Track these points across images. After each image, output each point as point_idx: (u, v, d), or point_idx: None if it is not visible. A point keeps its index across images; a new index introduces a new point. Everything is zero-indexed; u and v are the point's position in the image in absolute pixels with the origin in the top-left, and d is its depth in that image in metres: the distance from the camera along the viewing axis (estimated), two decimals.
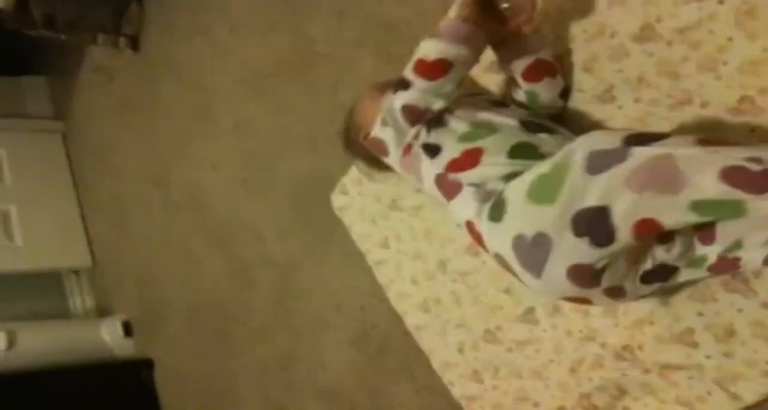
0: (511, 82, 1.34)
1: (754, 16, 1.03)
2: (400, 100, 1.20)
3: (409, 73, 1.19)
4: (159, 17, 3.22)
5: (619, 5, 1.20)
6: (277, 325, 2.35)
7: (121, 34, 3.37)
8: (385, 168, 1.41)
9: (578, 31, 1.27)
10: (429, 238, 1.64)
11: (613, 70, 1.22)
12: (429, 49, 1.16)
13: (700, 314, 1.14)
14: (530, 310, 1.43)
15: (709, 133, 1.03)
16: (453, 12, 1.20)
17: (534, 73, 1.25)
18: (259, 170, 2.42)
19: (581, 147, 0.99)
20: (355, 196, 1.85)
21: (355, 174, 1.84)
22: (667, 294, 1.17)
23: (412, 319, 1.69)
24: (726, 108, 1.07)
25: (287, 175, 2.26)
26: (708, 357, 1.14)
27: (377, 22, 1.83)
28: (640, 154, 0.91)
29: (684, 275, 1.06)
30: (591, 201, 0.95)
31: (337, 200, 1.91)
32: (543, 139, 1.15)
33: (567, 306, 1.35)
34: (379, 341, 1.85)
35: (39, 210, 3.87)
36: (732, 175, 0.85)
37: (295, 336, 2.24)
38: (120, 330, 3.40)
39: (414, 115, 1.21)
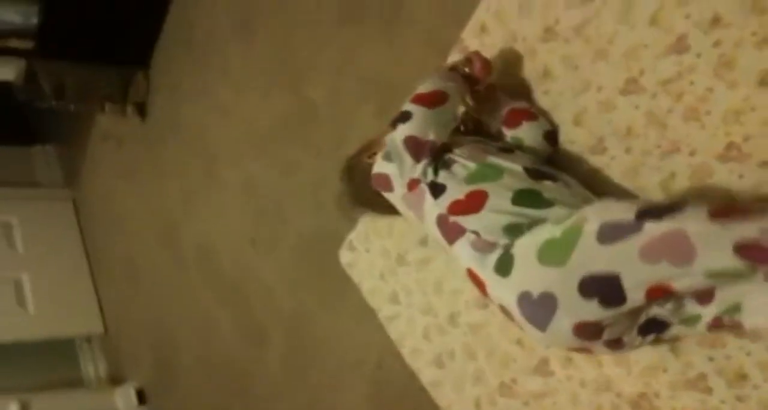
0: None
1: (732, 67, 1.06)
2: (401, 132, 1.25)
3: (408, 105, 1.27)
4: (164, 83, 3.32)
5: (603, 61, 1.24)
6: (292, 383, 2.34)
7: (128, 102, 3.48)
8: (386, 210, 1.44)
9: (566, 87, 1.31)
10: (438, 292, 1.65)
11: (603, 122, 1.25)
12: (424, 84, 1.29)
13: (711, 359, 1.14)
14: (544, 362, 1.42)
15: (723, 202, 1.06)
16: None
17: (512, 120, 1.34)
18: (267, 228, 2.46)
19: (595, 216, 1.03)
20: (363, 252, 1.87)
21: (361, 230, 1.87)
22: (674, 341, 1.18)
23: (427, 376, 1.69)
24: (714, 155, 1.10)
25: (295, 233, 2.30)
26: (722, 401, 1.13)
27: (375, 80, 1.89)
28: (652, 229, 0.94)
29: (678, 330, 1.08)
30: (600, 268, 0.98)
31: (344, 256, 1.93)
32: (546, 186, 1.18)
33: (578, 357, 1.36)
34: (395, 398, 1.85)
35: (51, 278, 3.92)
36: (746, 250, 0.87)
37: (311, 395, 2.23)
38: (134, 399, 3.40)
39: (417, 146, 1.25)
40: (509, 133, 1.35)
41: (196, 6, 3.00)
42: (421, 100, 1.26)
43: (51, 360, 3.94)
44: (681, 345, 1.18)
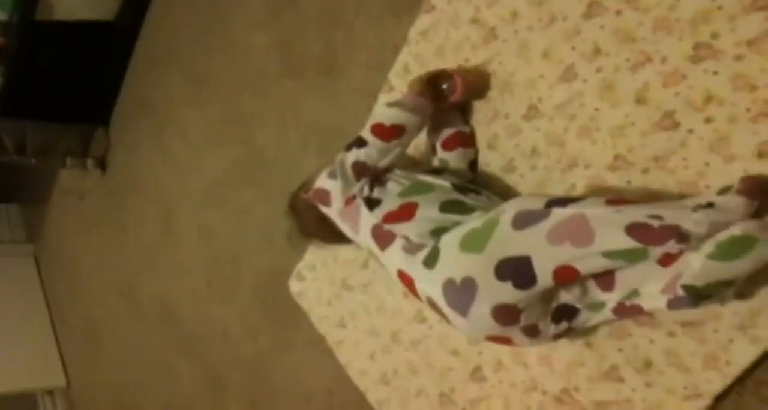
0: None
1: (613, 90, 1.23)
2: (353, 156, 1.38)
3: (367, 133, 1.38)
4: (123, 139, 3.44)
5: (508, 93, 1.41)
6: None
7: (88, 156, 3.57)
8: (332, 239, 1.54)
9: (480, 116, 1.47)
10: (380, 312, 1.75)
11: (511, 145, 1.41)
12: (388, 115, 1.38)
13: (620, 350, 1.27)
14: (478, 369, 1.53)
15: (617, 195, 1.20)
16: (408, 87, 1.44)
17: (451, 143, 1.47)
18: (223, 273, 2.54)
19: (511, 207, 1.16)
20: (311, 281, 1.97)
21: (309, 260, 1.97)
22: (588, 335, 1.30)
23: (374, 395, 1.77)
24: (605, 166, 1.25)
25: (250, 274, 2.38)
26: (633, 390, 1.25)
27: (316, 128, 2.04)
28: (558, 213, 1.08)
29: (587, 317, 1.19)
30: (514, 251, 1.10)
31: (294, 286, 2.03)
32: (471, 198, 1.31)
33: (508, 360, 1.46)
34: None
35: (13, 333, 3.90)
36: (636, 230, 1.00)
37: None
38: None
39: (362, 170, 1.38)
40: (440, 154, 1.49)
41: (152, 67, 3.16)
42: (380, 132, 1.37)
43: None
44: (594, 340, 1.30)
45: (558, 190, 1.33)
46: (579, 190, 1.29)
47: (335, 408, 1.97)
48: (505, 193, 1.41)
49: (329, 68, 2.00)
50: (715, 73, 1.09)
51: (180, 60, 2.90)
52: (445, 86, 1.42)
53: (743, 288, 1.05)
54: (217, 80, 2.61)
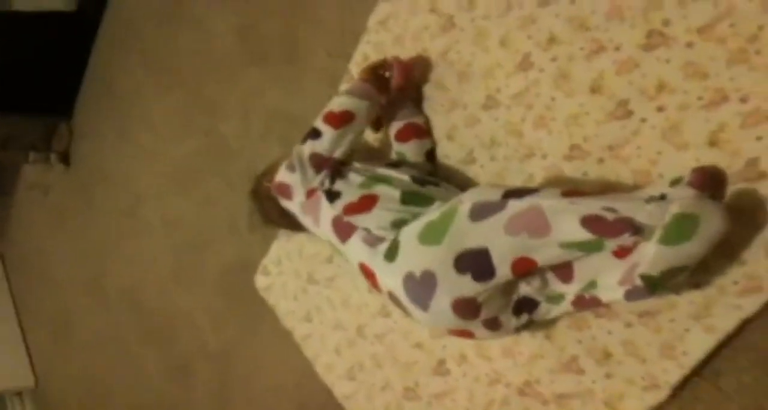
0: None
1: (568, 79, 1.21)
2: (309, 148, 1.37)
3: (319, 123, 1.38)
4: (87, 132, 3.37)
5: (465, 82, 1.38)
6: None
7: (51, 150, 3.50)
8: (293, 226, 1.52)
9: (437, 106, 1.45)
10: (346, 307, 1.73)
11: (471, 135, 1.39)
12: (337, 102, 1.39)
13: (580, 341, 1.26)
14: (441, 362, 1.52)
15: (573, 186, 1.19)
16: (357, 76, 1.45)
17: (404, 134, 1.46)
18: (189, 263, 2.50)
19: (468, 198, 1.14)
20: (276, 276, 1.94)
21: (274, 254, 1.94)
22: (548, 327, 1.29)
23: (340, 389, 1.76)
24: (562, 156, 1.24)
25: (215, 264, 2.35)
26: (593, 381, 1.24)
27: (278, 117, 2.00)
28: (515, 205, 1.07)
29: (547, 309, 1.19)
30: (472, 243, 1.09)
31: (260, 281, 2.00)
32: (430, 190, 1.30)
33: (471, 354, 1.45)
34: None
35: None
36: (590, 222, 0.99)
37: None
38: None
39: (320, 161, 1.37)
40: (396, 146, 1.48)
41: (114, 57, 3.09)
42: (331, 120, 1.37)
43: None
44: (554, 332, 1.30)
45: (516, 181, 1.32)
46: (537, 181, 1.28)
47: (303, 401, 1.96)
48: (466, 184, 1.39)
49: (291, 55, 1.96)
50: (668, 60, 1.07)
51: (142, 49, 2.83)
52: (388, 74, 1.44)
53: (698, 277, 1.05)
54: (179, 69, 2.55)
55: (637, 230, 0.97)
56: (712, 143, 1.04)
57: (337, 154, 1.37)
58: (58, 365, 3.70)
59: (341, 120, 1.37)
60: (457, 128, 1.42)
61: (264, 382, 2.11)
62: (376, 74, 1.44)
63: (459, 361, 1.48)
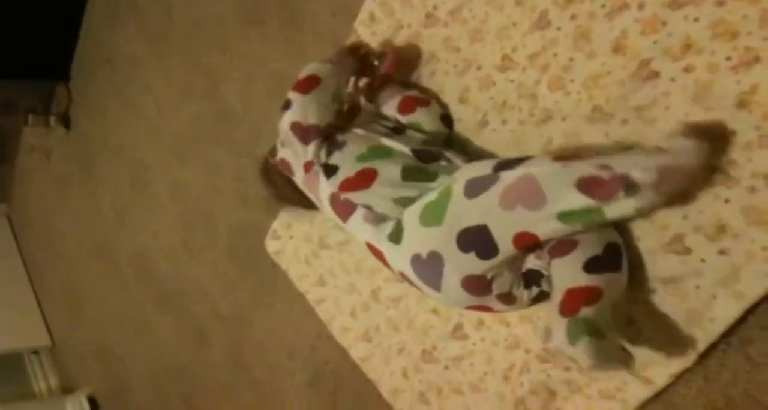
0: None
1: (589, 39, 1.16)
2: (286, 119, 1.33)
3: (289, 92, 1.34)
4: (86, 95, 3.30)
5: (479, 42, 1.32)
6: (237, 381, 2.38)
7: (50, 113, 3.44)
8: (310, 205, 1.48)
9: (449, 67, 1.39)
10: (359, 271, 1.72)
11: (485, 98, 1.34)
12: (305, 69, 1.37)
13: None
14: (458, 327, 1.51)
15: (566, 148, 1.16)
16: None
17: (406, 106, 1.40)
18: (198, 229, 2.48)
19: (461, 176, 1.12)
20: (287, 240, 1.92)
21: (284, 218, 1.92)
22: None
23: (356, 352, 1.76)
24: (583, 118, 1.19)
25: (225, 231, 2.33)
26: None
27: (282, 77, 1.94)
28: (506, 176, 1.04)
29: None
30: (471, 221, 1.07)
31: (271, 245, 1.99)
32: (431, 165, 1.25)
33: (489, 319, 1.44)
34: (333, 378, 1.91)
35: None
36: (587, 185, 0.96)
37: (256, 389, 2.28)
38: (86, 406, 3.37)
39: (301, 130, 1.32)
40: (405, 119, 1.41)
41: (108, 17, 3.00)
42: (297, 86, 1.34)
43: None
44: None
45: (534, 144, 1.27)
46: (556, 143, 1.23)
47: (318, 364, 1.97)
48: (481, 150, 1.36)
49: (293, 16, 1.88)
50: (696, 19, 1.01)
51: (138, 8, 2.73)
52: (377, 62, 1.44)
53: (724, 242, 1.02)
54: (179, 31, 2.47)
55: (632, 188, 0.94)
56: (741, 105, 0.99)
57: (312, 119, 1.32)
58: (73, 326, 3.74)
59: (306, 85, 1.34)
60: (469, 90, 1.36)
61: (279, 345, 2.12)
62: (362, 55, 1.43)
63: (477, 326, 1.47)
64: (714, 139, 0.98)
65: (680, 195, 1.02)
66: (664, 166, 0.94)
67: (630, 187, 0.94)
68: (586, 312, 1.00)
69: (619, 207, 0.97)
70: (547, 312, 1.07)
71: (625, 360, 1.04)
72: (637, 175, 0.94)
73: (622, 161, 0.96)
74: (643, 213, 1.06)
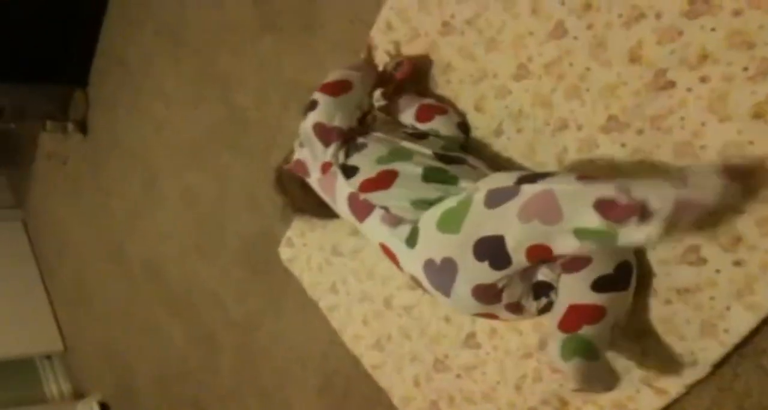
0: None
1: (605, 48, 1.16)
2: (310, 119, 1.34)
3: (316, 94, 1.36)
4: (103, 100, 3.34)
5: (495, 51, 1.33)
6: (245, 387, 2.39)
7: (68, 119, 3.48)
8: (325, 213, 1.49)
9: (465, 75, 1.40)
10: (372, 278, 1.72)
11: (500, 107, 1.34)
12: (333, 74, 1.40)
13: None
14: (471, 335, 1.51)
15: (590, 172, 1.15)
16: None
17: (424, 114, 1.42)
18: (209, 234, 2.50)
19: (483, 186, 1.12)
20: (301, 247, 1.93)
21: (297, 226, 1.93)
22: None
23: (368, 359, 1.76)
24: (598, 127, 1.19)
25: (236, 236, 2.35)
26: (629, 359, 1.22)
27: (297, 83, 1.96)
28: (527, 190, 1.04)
29: None
30: (488, 231, 1.07)
31: (284, 253, 2.00)
32: (455, 168, 1.25)
33: (502, 328, 1.44)
34: (343, 386, 1.91)
35: (7, 299, 3.89)
36: (604, 207, 0.96)
37: (264, 395, 2.28)
38: None
39: (324, 132, 1.34)
40: (424, 127, 1.42)
41: (126, 25, 3.04)
42: (326, 88, 1.36)
43: (12, 379, 3.91)
44: None
45: (549, 153, 1.28)
46: (571, 153, 1.24)
47: (329, 372, 1.97)
48: (496, 158, 1.36)
49: (310, 22, 1.90)
50: (713, 29, 1.02)
51: (153, 15, 2.77)
52: (394, 70, 1.46)
53: (740, 254, 1.02)
54: (193, 37, 2.50)
55: (646, 216, 0.93)
56: (757, 115, 0.99)
57: (337, 121, 1.33)
58: (84, 331, 3.76)
59: (336, 88, 1.37)
60: (485, 98, 1.37)
61: (289, 353, 2.12)
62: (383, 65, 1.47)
63: (490, 335, 1.47)
64: (748, 180, 0.97)
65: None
66: (682, 199, 0.93)
67: (644, 214, 0.93)
68: (587, 330, 1.04)
69: (630, 234, 0.96)
70: (549, 322, 1.09)
71: (610, 384, 1.07)
72: (654, 203, 0.93)
73: (643, 187, 0.96)
74: (652, 245, 1.08)
